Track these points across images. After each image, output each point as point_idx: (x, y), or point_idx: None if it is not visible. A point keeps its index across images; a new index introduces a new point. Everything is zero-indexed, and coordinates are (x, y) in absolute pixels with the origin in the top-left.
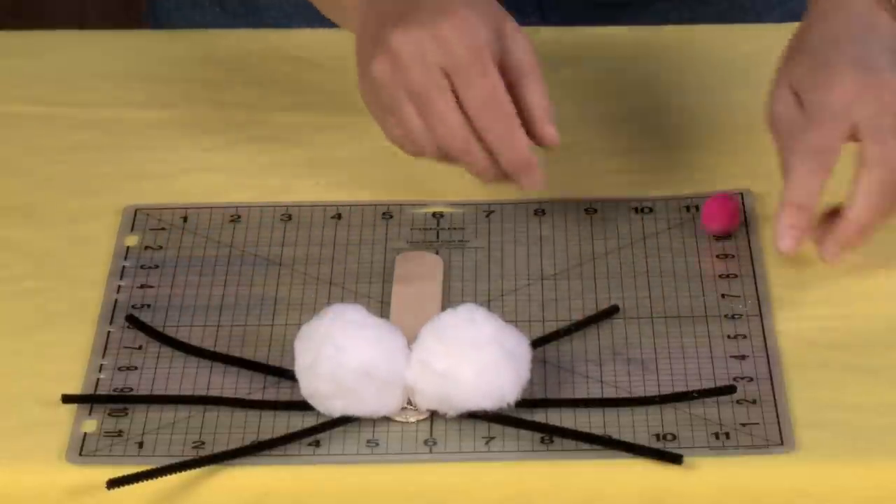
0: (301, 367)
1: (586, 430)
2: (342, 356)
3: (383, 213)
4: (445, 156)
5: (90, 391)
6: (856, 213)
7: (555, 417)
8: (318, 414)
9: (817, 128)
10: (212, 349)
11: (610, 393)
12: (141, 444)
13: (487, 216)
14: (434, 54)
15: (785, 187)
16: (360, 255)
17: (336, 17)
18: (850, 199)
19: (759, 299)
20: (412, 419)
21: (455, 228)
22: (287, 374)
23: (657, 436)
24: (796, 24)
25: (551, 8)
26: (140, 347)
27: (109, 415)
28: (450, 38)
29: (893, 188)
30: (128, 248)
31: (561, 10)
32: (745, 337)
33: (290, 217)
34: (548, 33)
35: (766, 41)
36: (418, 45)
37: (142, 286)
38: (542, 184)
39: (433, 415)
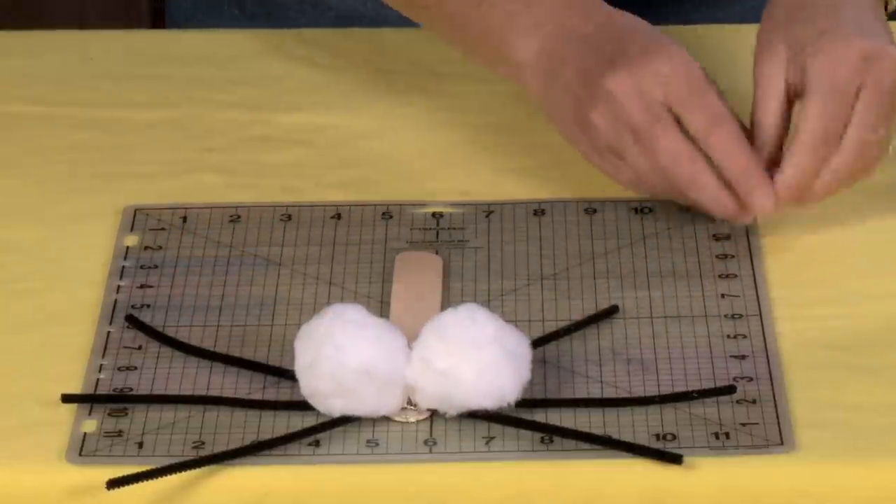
0: (301, 367)
1: (586, 430)
2: (342, 356)
3: (383, 213)
4: (678, 191)
5: (90, 391)
6: (823, 192)
7: (555, 417)
8: (318, 414)
9: (824, 110)
10: (212, 349)
11: (610, 393)
12: (141, 445)
13: (487, 216)
14: (653, 90)
15: (788, 165)
16: (360, 255)
17: (490, 60)
18: (822, 180)
19: (759, 299)
20: (412, 419)
21: (455, 228)
22: (287, 374)
23: (657, 436)
24: None
25: None
26: (140, 347)
27: (109, 415)
28: (665, 71)
29: (861, 175)
30: (127, 248)
31: None
32: (745, 337)
33: (290, 217)
34: None
35: None
36: (635, 83)
37: (142, 286)
38: (774, 204)
39: (433, 415)
